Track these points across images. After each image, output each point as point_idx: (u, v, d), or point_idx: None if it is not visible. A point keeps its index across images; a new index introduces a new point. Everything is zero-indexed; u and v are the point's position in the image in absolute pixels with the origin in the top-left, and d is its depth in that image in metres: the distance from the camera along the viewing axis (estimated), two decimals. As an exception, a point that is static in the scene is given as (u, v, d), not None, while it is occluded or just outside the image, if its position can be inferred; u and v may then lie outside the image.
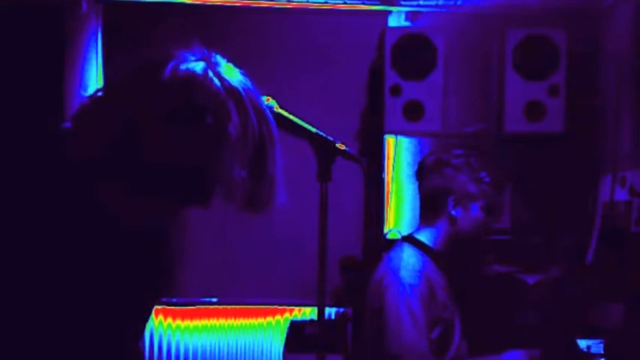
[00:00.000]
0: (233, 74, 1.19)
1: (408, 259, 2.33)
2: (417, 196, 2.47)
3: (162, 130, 1.11)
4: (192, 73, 1.14)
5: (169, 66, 1.14)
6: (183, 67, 1.15)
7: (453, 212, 2.34)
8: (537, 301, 2.99)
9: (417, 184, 2.47)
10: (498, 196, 2.37)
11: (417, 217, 2.47)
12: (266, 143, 1.20)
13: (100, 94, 1.19)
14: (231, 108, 1.15)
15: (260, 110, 1.20)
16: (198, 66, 1.16)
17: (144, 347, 3.43)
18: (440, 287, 2.35)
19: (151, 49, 1.19)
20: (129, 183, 1.14)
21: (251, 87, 1.21)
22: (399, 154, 3.45)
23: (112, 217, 1.18)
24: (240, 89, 1.17)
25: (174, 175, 1.12)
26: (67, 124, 1.18)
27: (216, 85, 1.15)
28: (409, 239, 2.43)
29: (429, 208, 2.40)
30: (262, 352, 3.51)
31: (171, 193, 1.15)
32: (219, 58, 1.21)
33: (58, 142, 1.17)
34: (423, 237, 2.39)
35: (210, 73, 1.16)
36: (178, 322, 3.47)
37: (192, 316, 3.47)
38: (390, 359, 2.20)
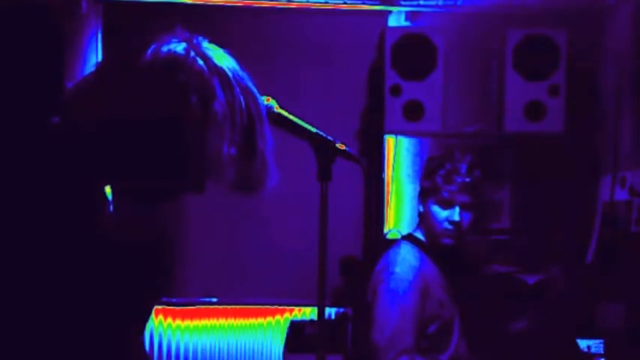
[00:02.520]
0: (218, 54, 1.19)
1: (405, 255, 2.36)
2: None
3: (148, 113, 1.10)
4: (173, 54, 1.14)
5: (150, 49, 1.14)
6: (164, 48, 1.14)
7: (419, 208, 2.45)
8: (537, 301, 2.99)
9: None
10: (454, 192, 2.33)
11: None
12: (254, 120, 1.19)
13: (83, 82, 1.18)
14: (216, 86, 1.14)
15: (246, 88, 1.20)
16: (180, 46, 1.16)
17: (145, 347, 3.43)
18: (437, 285, 2.36)
19: (134, 38, 1.19)
20: (120, 171, 1.13)
21: (236, 66, 1.20)
22: (399, 154, 3.45)
23: (110, 215, 1.18)
24: (225, 68, 1.17)
25: (163, 156, 1.12)
26: (55, 119, 1.18)
27: (199, 64, 1.14)
28: (408, 237, 2.46)
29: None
30: (262, 352, 3.51)
31: (163, 175, 1.15)
32: (201, 39, 1.21)
33: (51, 139, 1.17)
34: (419, 235, 2.44)
35: (193, 53, 1.15)
36: (178, 322, 3.47)
37: (192, 316, 3.47)
38: (376, 351, 2.23)
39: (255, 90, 1.22)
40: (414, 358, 2.20)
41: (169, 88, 1.12)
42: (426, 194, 2.40)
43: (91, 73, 1.21)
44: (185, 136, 1.12)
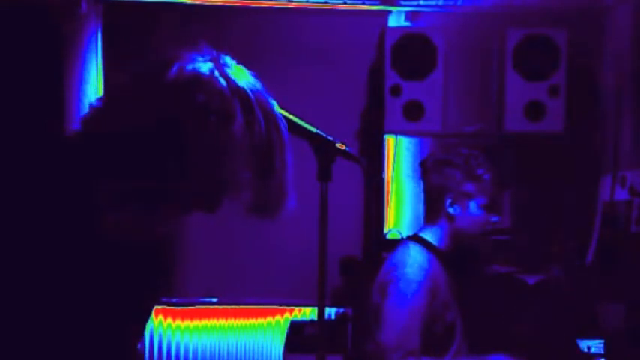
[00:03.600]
0: (242, 75, 1.19)
1: (415, 256, 2.35)
2: (422, 196, 2.50)
3: (167, 131, 1.11)
4: (197, 73, 1.14)
5: (175, 66, 1.14)
6: (189, 67, 1.15)
7: (451, 210, 2.37)
8: (537, 302, 2.99)
9: (420, 183, 2.51)
10: (498, 195, 2.37)
11: (422, 216, 2.51)
12: (274, 143, 1.19)
13: (108, 96, 1.19)
14: (236, 107, 1.14)
15: (269, 112, 1.19)
16: (205, 66, 1.16)
17: (142, 349, 3.43)
18: (444, 286, 2.36)
19: (159, 51, 1.19)
20: (135, 185, 1.14)
21: (261, 89, 1.20)
22: (399, 154, 3.45)
23: (113, 220, 1.17)
24: (248, 90, 1.17)
25: (179, 174, 1.12)
26: (76, 127, 1.18)
27: (221, 84, 1.14)
28: (415, 238, 2.44)
29: (431, 207, 2.43)
30: (262, 352, 3.51)
31: (177, 192, 1.15)
32: (228, 59, 1.20)
33: (67, 146, 1.17)
34: (428, 236, 2.41)
35: (217, 73, 1.15)
36: (178, 322, 3.47)
37: (192, 316, 3.47)
38: (382, 351, 2.22)
39: (277, 113, 1.22)
40: (419, 359, 2.20)
41: (189, 107, 1.11)
42: (468, 197, 2.38)
43: (116, 89, 1.21)
44: (201, 156, 1.12)
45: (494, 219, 2.38)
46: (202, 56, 1.18)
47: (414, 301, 2.24)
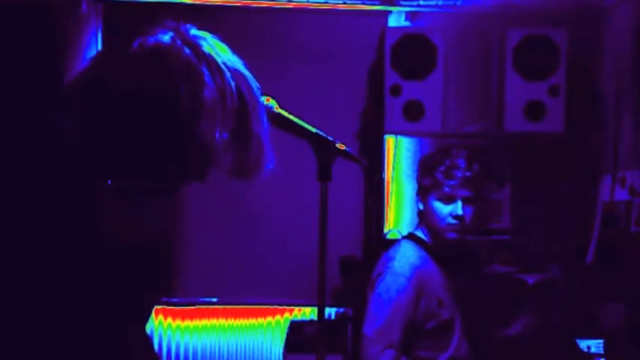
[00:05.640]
0: (206, 40, 1.18)
1: (405, 252, 2.38)
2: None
3: (137, 105, 1.10)
4: (159, 43, 1.14)
5: (137, 41, 1.14)
6: (151, 39, 1.14)
7: (419, 206, 2.44)
8: (537, 302, 2.99)
9: None
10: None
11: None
12: (247, 104, 1.19)
13: (72, 79, 1.18)
14: (205, 73, 1.14)
15: (237, 72, 1.19)
16: (166, 36, 1.16)
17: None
18: (437, 284, 2.37)
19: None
20: (118, 165, 1.13)
21: (227, 50, 1.20)
22: (399, 154, 3.45)
23: (110, 214, 1.17)
24: (214, 53, 1.16)
25: (159, 147, 1.12)
26: (58, 114, 1.18)
27: (185, 52, 1.14)
28: (409, 236, 2.47)
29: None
30: (262, 352, 3.51)
31: (161, 165, 1.14)
32: (189, 27, 1.20)
33: (66, 145, 1.17)
34: (420, 233, 2.45)
35: (179, 42, 1.15)
36: (178, 322, 3.47)
37: (192, 316, 3.47)
38: (362, 340, 2.25)
39: (248, 74, 1.21)
40: (399, 357, 2.21)
41: (156, 78, 1.11)
42: (426, 191, 2.40)
43: (83, 70, 1.21)
44: (177, 125, 1.12)
45: (454, 213, 2.35)
46: (164, 28, 1.18)
47: (400, 295, 2.26)
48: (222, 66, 1.16)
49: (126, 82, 1.11)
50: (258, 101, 1.22)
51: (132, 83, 1.11)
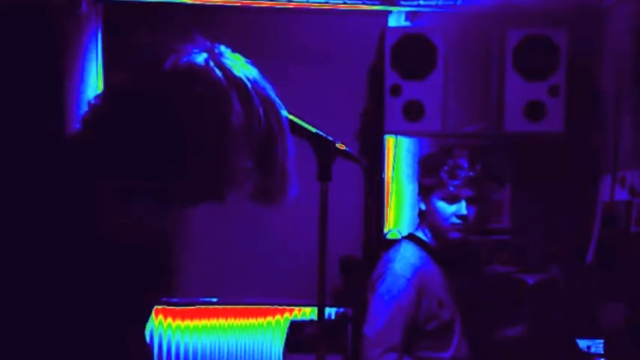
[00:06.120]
0: (238, 64, 1.19)
1: (405, 253, 2.38)
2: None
3: (166, 125, 1.10)
4: (192, 64, 1.14)
5: (170, 59, 1.14)
6: (184, 59, 1.14)
7: (421, 206, 2.43)
8: (537, 302, 2.99)
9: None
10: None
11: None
12: (274, 131, 1.19)
13: (105, 94, 1.19)
14: (234, 97, 1.14)
15: (267, 100, 1.19)
16: (200, 57, 1.16)
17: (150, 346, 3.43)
18: (437, 284, 2.37)
19: (154, 45, 1.19)
20: (137, 183, 1.14)
21: (258, 77, 1.20)
22: (399, 154, 3.45)
23: (114, 217, 1.18)
24: (245, 78, 1.17)
25: (179, 168, 1.12)
26: (77, 126, 1.18)
27: (216, 75, 1.14)
28: (409, 237, 2.47)
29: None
30: (262, 352, 3.51)
31: (179, 188, 1.15)
32: (223, 49, 1.20)
33: (67, 145, 1.17)
34: (421, 234, 2.44)
35: (212, 64, 1.15)
36: (178, 322, 3.47)
37: (192, 316, 3.47)
38: (363, 341, 2.25)
39: (276, 100, 1.22)
40: (401, 358, 2.21)
41: (186, 100, 1.11)
42: (429, 191, 2.40)
43: (113, 86, 1.21)
44: (202, 148, 1.12)
45: (459, 213, 2.35)
46: (197, 47, 1.18)
47: (400, 296, 2.26)
48: (252, 92, 1.16)
49: (155, 102, 1.11)
50: (286, 129, 1.22)
51: (161, 103, 1.11)
